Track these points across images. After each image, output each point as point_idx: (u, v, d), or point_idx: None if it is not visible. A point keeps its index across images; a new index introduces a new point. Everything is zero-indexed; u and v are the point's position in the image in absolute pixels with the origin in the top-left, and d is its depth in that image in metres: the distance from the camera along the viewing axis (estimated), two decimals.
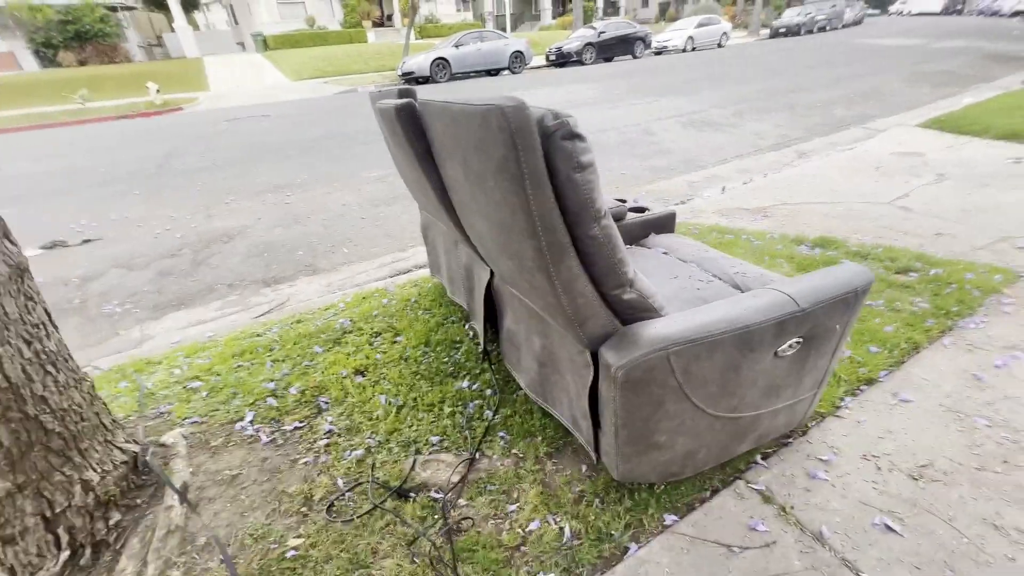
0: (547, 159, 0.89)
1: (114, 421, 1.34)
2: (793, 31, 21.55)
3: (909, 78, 8.86)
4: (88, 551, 1.17)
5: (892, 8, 40.12)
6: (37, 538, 1.10)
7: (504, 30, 31.46)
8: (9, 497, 1.05)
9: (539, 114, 0.90)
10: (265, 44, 24.68)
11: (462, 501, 1.30)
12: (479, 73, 14.54)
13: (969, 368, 1.76)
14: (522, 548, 1.19)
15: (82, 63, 21.82)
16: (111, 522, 1.22)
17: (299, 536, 1.23)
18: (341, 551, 1.18)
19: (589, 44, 15.67)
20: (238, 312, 2.70)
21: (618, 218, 1.80)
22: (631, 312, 1.09)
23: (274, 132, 7.65)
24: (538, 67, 16.03)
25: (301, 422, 1.58)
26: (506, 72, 14.83)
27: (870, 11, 35.07)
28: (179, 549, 1.19)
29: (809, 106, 7.07)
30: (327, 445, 1.49)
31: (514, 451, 1.45)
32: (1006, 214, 3.11)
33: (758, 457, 1.41)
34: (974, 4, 34.23)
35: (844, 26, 23.70)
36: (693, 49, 18.14)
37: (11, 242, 1.12)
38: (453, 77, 13.88)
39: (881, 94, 7.57)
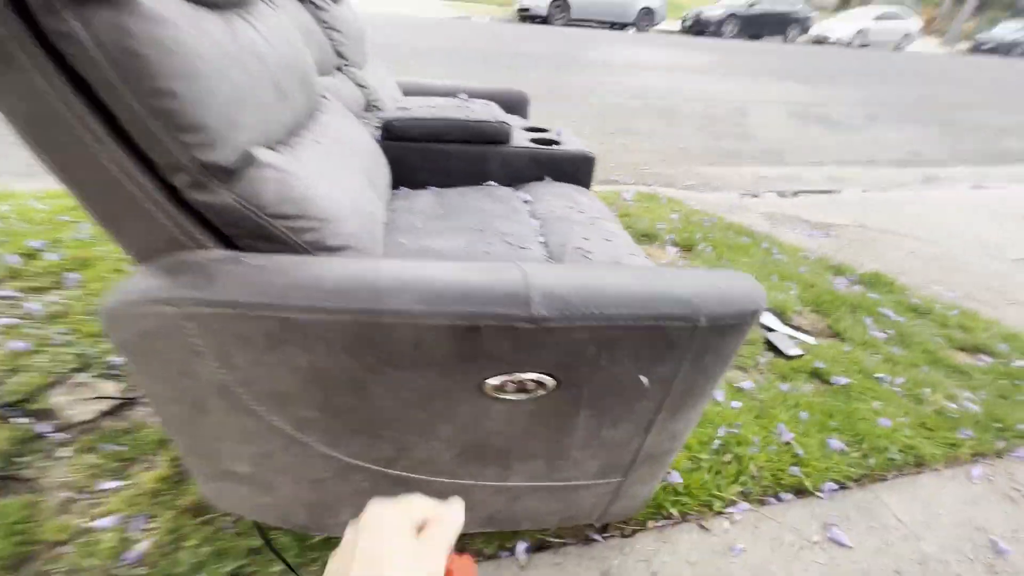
0: None
1: None
2: (1004, 49, 17.22)
3: None
4: None
5: None
6: None
7: None
8: None
9: None
10: None
11: (66, 452, 0.91)
12: (601, 24, 13.31)
13: (990, 525, 1.03)
14: (61, 548, 0.78)
15: None
16: None
17: None
18: None
19: (733, 15, 13.67)
20: None
21: (498, 140, 1.22)
22: (250, 234, 0.59)
23: None
24: (669, 31, 14.38)
25: (18, 292, 1.27)
26: (632, 29, 13.46)
27: None
28: None
29: (972, 127, 5.50)
30: (11, 327, 1.16)
31: None
32: None
33: (522, 545, 0.87)
34: None
35: None
36: (863, 46, 15.26)
37: None
38: (570, 23, 12.85)
39: None
